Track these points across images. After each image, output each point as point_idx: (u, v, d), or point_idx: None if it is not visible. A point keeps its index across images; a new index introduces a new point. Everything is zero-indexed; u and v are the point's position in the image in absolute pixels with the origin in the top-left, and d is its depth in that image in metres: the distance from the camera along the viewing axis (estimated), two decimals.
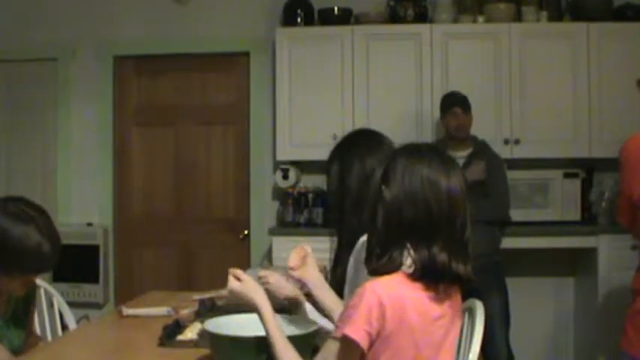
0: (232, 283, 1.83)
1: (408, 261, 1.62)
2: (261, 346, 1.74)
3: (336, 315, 1.95)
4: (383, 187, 1.65)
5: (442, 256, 1.60)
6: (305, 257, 2.11)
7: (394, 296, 1.57)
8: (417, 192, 1.62)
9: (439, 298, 1.63)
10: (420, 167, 1.64)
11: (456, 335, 1.75)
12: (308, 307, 2.09)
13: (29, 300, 2.39)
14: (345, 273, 2.19)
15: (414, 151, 1.69)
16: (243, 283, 1.83)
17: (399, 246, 1.62)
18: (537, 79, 4.47)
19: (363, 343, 1.55)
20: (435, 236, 1.60)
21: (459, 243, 1.63)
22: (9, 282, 2.16)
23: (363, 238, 2.10)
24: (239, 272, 1.85)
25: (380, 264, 1.63)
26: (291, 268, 2.11)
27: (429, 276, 1.61)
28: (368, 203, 1.70)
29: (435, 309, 1.63)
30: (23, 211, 2.14)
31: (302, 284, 2.14)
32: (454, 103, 4.07)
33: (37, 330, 2.73)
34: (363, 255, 1.71)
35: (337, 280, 2.25)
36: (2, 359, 2.20)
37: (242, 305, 1.80)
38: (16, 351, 2.28)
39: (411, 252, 1.61)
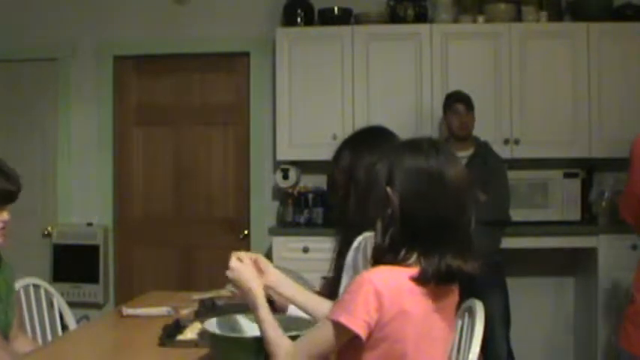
0: (234, 262, 1.82)
1: (412, 258, 1.61)
2: (260, 346, 1.73)
3: (301, 304, 1.91)
4: (388, 188, 1.62)
5: (456, 262, 1.59)
6: (256, 262, 1.90)
7: (392, 286, 1.57)
8: (424, 190, 1.60)
9: (438, 292, 1.63)
10: (424, 164, 1.62)
11: (453, 330, 1.74)
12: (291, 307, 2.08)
13: (9, 278, 2.43)
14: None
15: (414, 147, 1.67)
16: (244, 264, 1.82)
17: (407, 247, 1.61)
18: (537, 79, 4.47)
19: (362, 332, 1.55)
20: (447, 239, 1.59)
21: (466, 240, 1.62)
22: None
23: (366, 235, 2.09)
24: (243, 254, 1.84)
25: (385, 260, 1.62)
26: None
27: (438, 281, 1.60)
28: (374, 201, 1.68)
29: (434, 301, 1.62)
30: None
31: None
32: (456, 101, 4.08)
33: (37, 330, 2.74)
34: (368, 252, 1.70)
35: (338, 276, 2.24)
36: None
37: (237, 286, 1.79)
38: (2, 326, 2.31)
39: (420, 257, 1.60)
